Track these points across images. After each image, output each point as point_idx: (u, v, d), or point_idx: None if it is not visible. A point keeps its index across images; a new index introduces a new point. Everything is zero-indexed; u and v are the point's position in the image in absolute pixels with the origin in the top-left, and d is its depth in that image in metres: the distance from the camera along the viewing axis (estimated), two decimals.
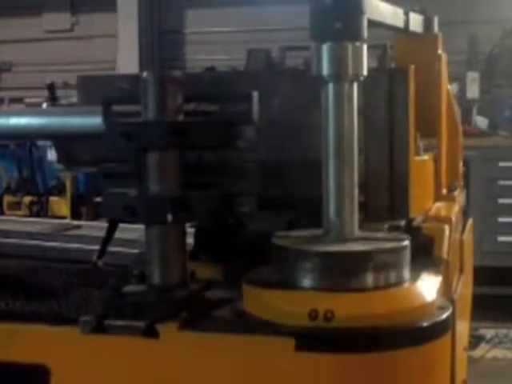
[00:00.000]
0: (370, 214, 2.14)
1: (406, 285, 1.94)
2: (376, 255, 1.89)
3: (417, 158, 2.49)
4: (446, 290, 2.18)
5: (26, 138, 5.92)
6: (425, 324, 1.86)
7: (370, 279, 1.88)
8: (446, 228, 2.41)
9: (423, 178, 2.61)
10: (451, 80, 3.37)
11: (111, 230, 2.57)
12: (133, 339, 1.92)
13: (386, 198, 2.35)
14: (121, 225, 2.45)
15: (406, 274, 1.96)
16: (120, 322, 1.94)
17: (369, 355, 1.81)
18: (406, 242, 1.98)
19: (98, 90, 2.50)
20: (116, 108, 2.16)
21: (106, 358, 1.96)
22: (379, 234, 2.10)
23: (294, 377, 1.82)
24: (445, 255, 2.30)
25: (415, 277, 1.99)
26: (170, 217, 1.97)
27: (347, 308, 1.83)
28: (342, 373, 1.82)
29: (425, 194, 2.63)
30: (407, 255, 1.97)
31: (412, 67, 2.36)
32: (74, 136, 2.37)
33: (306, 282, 1.90)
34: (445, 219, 2.55)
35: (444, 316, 1.92)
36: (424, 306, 1.91)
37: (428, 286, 1.99)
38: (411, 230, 2.29)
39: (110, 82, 2.52)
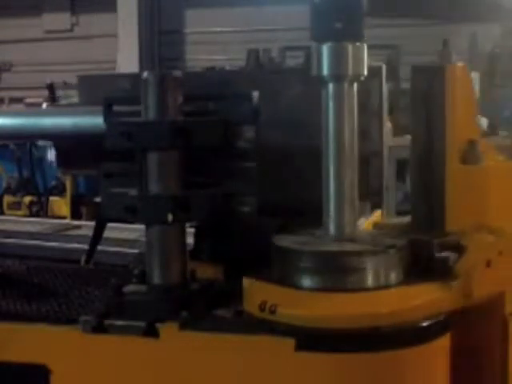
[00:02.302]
0: (412, 224, 2.07)
1: (405, 285, 1.94)
2: (363, 256, 1.89)
3: (464, 166, 2.17)
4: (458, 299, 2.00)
5: (25, 139, 5.91)
6: (424, 324, 1.86)
7: (366, 279, 1.88)
8: (478, 237, 2.12)
9: (477, 188, 2.21)
10: None
11: (99, 230, 2.55)
12: (133, 339, 1.92)
13: (424, 208, 2.19)
14: (121, 225, 2.45)
15: (406, 274, 1.96)
16: (120, 322, 1.95)
17: (367, 355, 1.81)
18: (402, 243, 1.97)
19: (99, 89, 2.50)
20: (118, 108, 2.16)
21: (107, 358, 1.96)
22: (379, 235, 2.10)
23: (293, 376, 1.82)
24: (467, 265, 2.04)
25: (416, 277, 1.99)
26: (170, 216, 1.98)
27: (346, 308, 1.83)
28: (341, 372, 1.82)
29: (480, 205, 2.23)
30: (404, 256, 1.96)
31: (450, 65, 2.18)
32: (75, 136, 2.37)
33: (303, 281, 1.90)
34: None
35: (440, 318, 1.91)
36: (422, 306, 1.91)
37: (428, 287, 1.98)
38: (444, 243, 2.07)
39: (111, 82, 2.51)
